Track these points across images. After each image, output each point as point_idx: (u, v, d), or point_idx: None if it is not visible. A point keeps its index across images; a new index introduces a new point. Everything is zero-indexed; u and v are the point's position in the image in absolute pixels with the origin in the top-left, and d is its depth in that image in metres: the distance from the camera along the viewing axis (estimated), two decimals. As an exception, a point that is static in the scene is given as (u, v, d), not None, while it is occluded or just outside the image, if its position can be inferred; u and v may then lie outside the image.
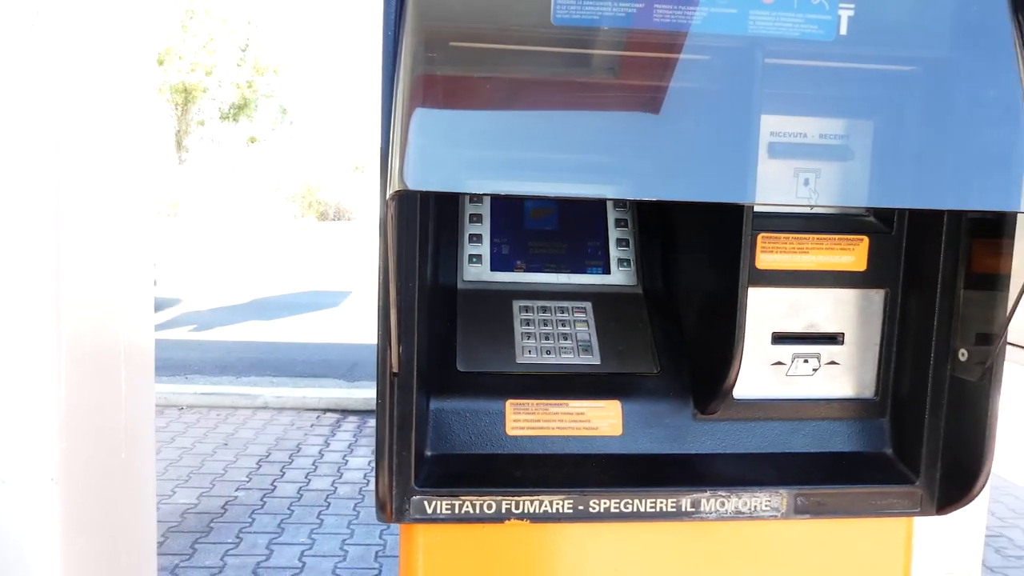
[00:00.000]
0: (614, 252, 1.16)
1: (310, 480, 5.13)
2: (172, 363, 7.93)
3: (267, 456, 5.49)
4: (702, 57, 0.89)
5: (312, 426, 6.26)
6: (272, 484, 4.96)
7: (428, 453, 0.97)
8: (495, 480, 0.94)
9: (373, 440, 5.92)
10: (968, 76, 0.86)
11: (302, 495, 4.85)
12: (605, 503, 0.93)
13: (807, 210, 1.01)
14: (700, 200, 0.88)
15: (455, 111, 0.78)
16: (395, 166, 0.72)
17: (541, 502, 0.92)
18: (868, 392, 1.05)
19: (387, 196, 0.72)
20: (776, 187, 0.96)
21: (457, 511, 0.92)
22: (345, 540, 4.24)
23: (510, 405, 0.99)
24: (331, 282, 14.31)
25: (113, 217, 1.21)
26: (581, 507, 0.93)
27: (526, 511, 0.93)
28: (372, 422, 6.26)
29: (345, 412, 6.54)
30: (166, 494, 4.55)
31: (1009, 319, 0.88)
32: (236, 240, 19.80)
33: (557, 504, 0.93)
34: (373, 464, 5.47)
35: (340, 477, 5.19)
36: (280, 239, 21.86)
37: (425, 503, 0.92)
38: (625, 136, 0.85)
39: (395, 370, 0.83)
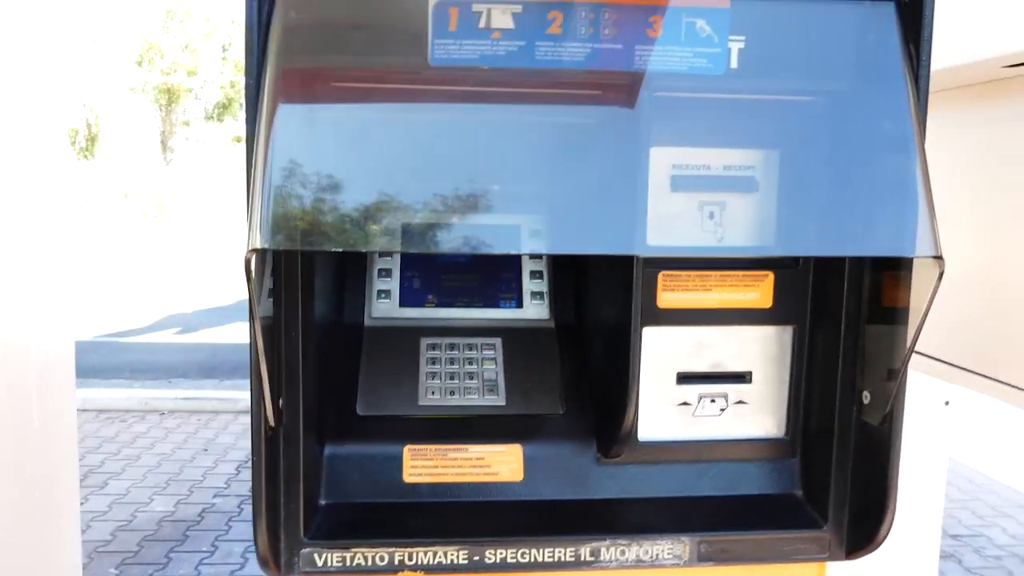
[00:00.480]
0: (527, 285, 1.13)
1: (288, 486, 5.07)
2: (156, 366, 7.89)
3: (246, 461, 5.46)
4: (590, 95, 0.87)
5: (293, 430, 6.20)
6: (250, 490, 4.92)
7: (322, 502, 0.95)
8: (389, 530, 0.91)
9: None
10: (861, 114, 0.84)
11: (279, 502, 4.80)
12: (501, 553, 0.91)
13: (711, 255, 0.99)
14: (587, 253, 0.86)
15: (315, 169, 0.75)
16: (254, 224, 0.70)
17: (435, 553, 0.90)
18: (778, 431, 1.03)
19: (245, 254, 0.69)
20: (680, 221, 0.94)
21: (348, 563, 0.89)
22: (320, 548, 4.19)
23: (408, 451, 0.97)
24: (319, 281, 14.23)
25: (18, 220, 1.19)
26: (477, 558, 0.91)
27: (420, 562, 0.90)
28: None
29: (327, 416, 6.51)
30: (143, 502, 4.52)
31: (908, 358, 0.85)
32: (223, 240, 19.72)
33: (452, 555, 0.90)
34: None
35: (319, 483, 5.12)
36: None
37: (315, 555, 0.89)
38: (503, 185, 0.82)
39: (271, 424, 0.81)
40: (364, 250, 0.73)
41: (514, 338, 1.09)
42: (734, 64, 0.85)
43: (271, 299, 0.84)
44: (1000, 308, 1.30)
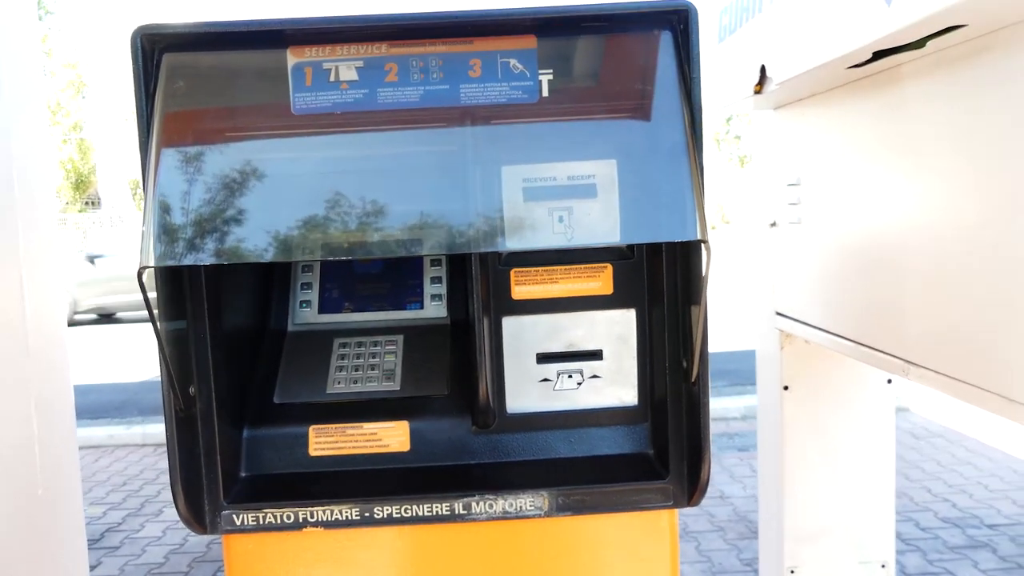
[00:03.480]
0: (428, 288, 1.32)
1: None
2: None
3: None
4: (436, 126, 1.06)
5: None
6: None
7: (243, 474, 1.15)
8: (295, 495, 1.11)
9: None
10: (649, 123, 1.01)
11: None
12: (388, 510, 1.09)
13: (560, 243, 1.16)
14: (455, 252, 1.04)
15: (201, 190, 0.96)
16: (144, 243, 0.91)
17: (332, 511, 1.09)
18: (631, 399, 1.19)
19: (136, 271, 0.90)
20: (535, 228, 1.11)
21: (261, 522, 1.09)
22: None
23: (312, 430, 1.16)
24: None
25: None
26: (367, 514, 1.09)
27: (320, 519, 1.09)
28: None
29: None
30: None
31: (703, 331, 1.01)
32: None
33: (346, 512, 1.09)
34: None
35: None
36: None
37: (234, 516, 1.09)
38: (377, 201, 1.01)
39: (180, 407, 1.02)
40: (230, 262, 0.93)
41: (415, 334, 1.28)
42: (546, 93, 1.03)
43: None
44: (901, 293, 1.42)
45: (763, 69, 1.57)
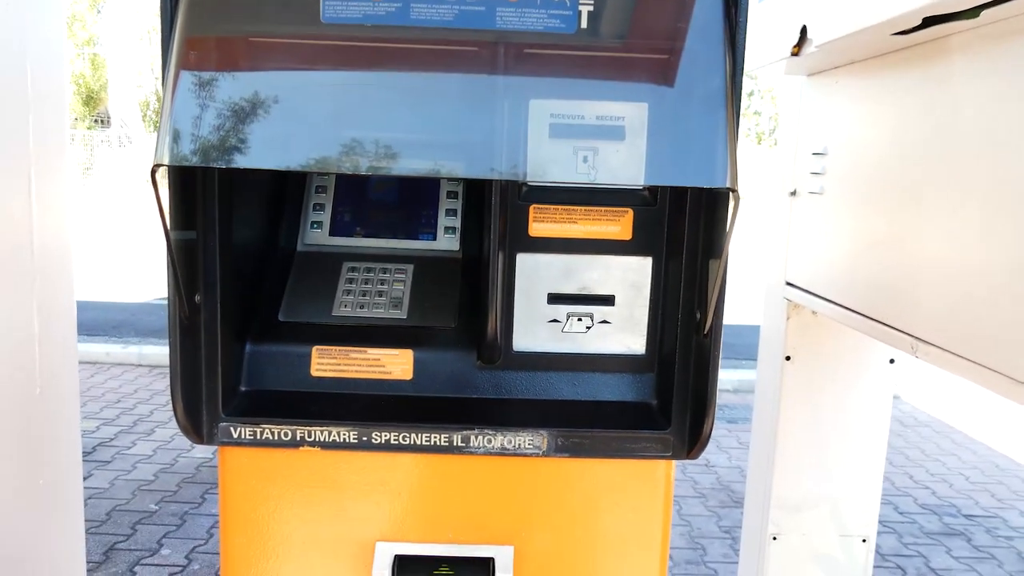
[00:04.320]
0: (442, 220, 1.30)
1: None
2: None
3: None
4: (465, 48, 1.02)
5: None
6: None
7: (243, 388, 1.14)
8: (294, 413, 1.10)
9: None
10: (689, 68, 0.97)
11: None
12: (386, 435, 1.09)
13: (583, 183, 1.13)
14: (471, 177, 1.01)
15: (221, 91, 0.93)
16: (160, 140, 0.88)
17: (330, 432, 1.09)
18: (638, 348, 1.17)
19: (150, 168, 0.88)
20: (557, 163, 1.09)
21: (258, 437, 1.09)
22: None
23: (315, 350, 1.15)
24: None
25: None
26: (365, 438, 1.09)
27: (317, 439, 1.09)
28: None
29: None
30: (185, 448, 4.88)
31: (721, 283, 0.99)
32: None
33: (344, 435, 1.09)
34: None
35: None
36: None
37: (231, 429, 1.09)
38: (397, 117, 0.99)
39: (185, 313, 1.00)
40: (244, 167, 0.90)
41: (425, 265, 1.26)
42: (584, 25, 1.00)
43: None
44: (900, 264, 1.40)
45: (804, 30, 1.52)
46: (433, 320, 1.19)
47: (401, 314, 1.20)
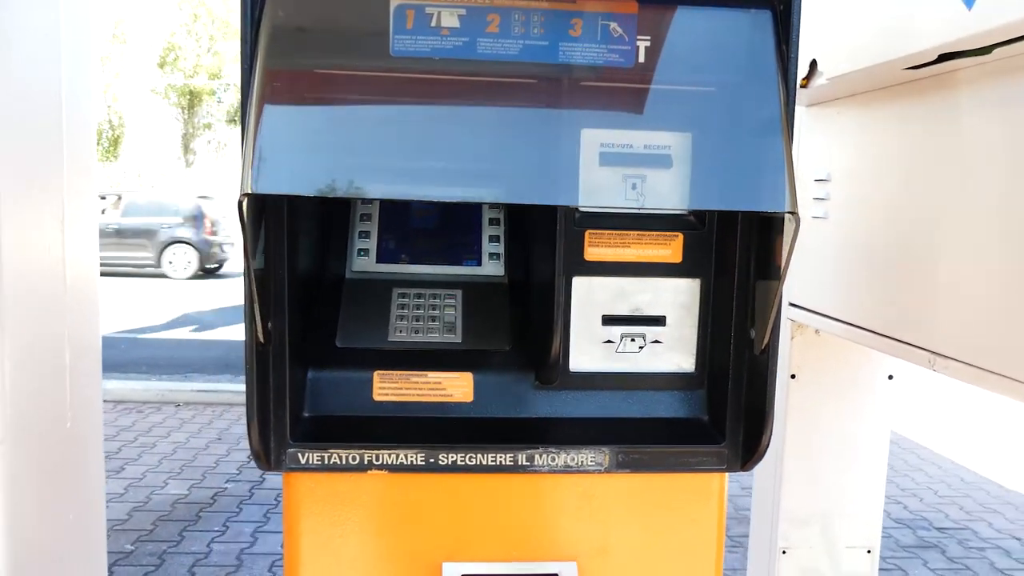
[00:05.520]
0: (486, 247, 1.34)
1: (297, 472, 5.30)
2: (173, 362, 8.16)
3: (257, 450, 5.67)
4: (527, 81, 1.07)
5: (303, 422, 6.43)
6: (261, 476, 5.17)
7: (306, 414, 1.15)
8: (360, 437, 1.12)
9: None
10: (744, 98, 1.04)
11: (288, 486, 5.03)
12: (452, 457, 1.11)
13: (633, 209, 1.19)
14: (528, 203, 1.06)
15: (302, 123, 0.96)
16: (246, 169, 0.90)
17: (398, 455, 1.10)
18: (688, 366, 1.22)
19: (237, 198, 0.90)
20: (607, 190, 1.14)
21: (326, 462, 1.10)
22: (325, 528, 4.41)
23: (377, 375, 1.17)
24: (333, 283, 14.52)
25: (49, 211, 1.39)
26: (432, 460, 1.11)
27: (385, 463, 1.11)
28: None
29: (336, 409, 6.73)
30: (158, 485, 4.76)
31: (779, 302, 1.05)
32: (241, 242, 20.12)
33: (412, 457, 1.11)
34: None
35: (326, 470, 5.35)
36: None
37: (299, 454, 1.10)
38: (464, 149, 1.03)
39: (261, 340, 1.02)
40: (332, 196, 0.93)
41: (472, 290, 1.29)
42: (642, 59, 1.06)
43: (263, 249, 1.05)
44: (915, 283, 1.48)
45: (813, 63, 1.62)
46: (488, 343, 1.22)
47: (456, 338, 1.23)
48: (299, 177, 0.92)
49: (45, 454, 1.37)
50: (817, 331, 1.99)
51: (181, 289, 13.22)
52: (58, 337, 1.42)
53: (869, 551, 2.13)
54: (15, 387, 1.25)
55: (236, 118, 27.56)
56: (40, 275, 1.36)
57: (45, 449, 1.37)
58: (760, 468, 2.23)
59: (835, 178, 1.80)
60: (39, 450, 1.35)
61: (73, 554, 1.50)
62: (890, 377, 2.09)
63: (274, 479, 5.07)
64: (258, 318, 0.99)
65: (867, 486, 2.11)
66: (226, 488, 4.95)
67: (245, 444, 5.79)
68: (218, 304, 11.78)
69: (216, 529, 4.36)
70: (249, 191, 0.89)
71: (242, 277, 0.99)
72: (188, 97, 25.91)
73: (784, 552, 2.10)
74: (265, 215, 1.03)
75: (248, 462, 5.39)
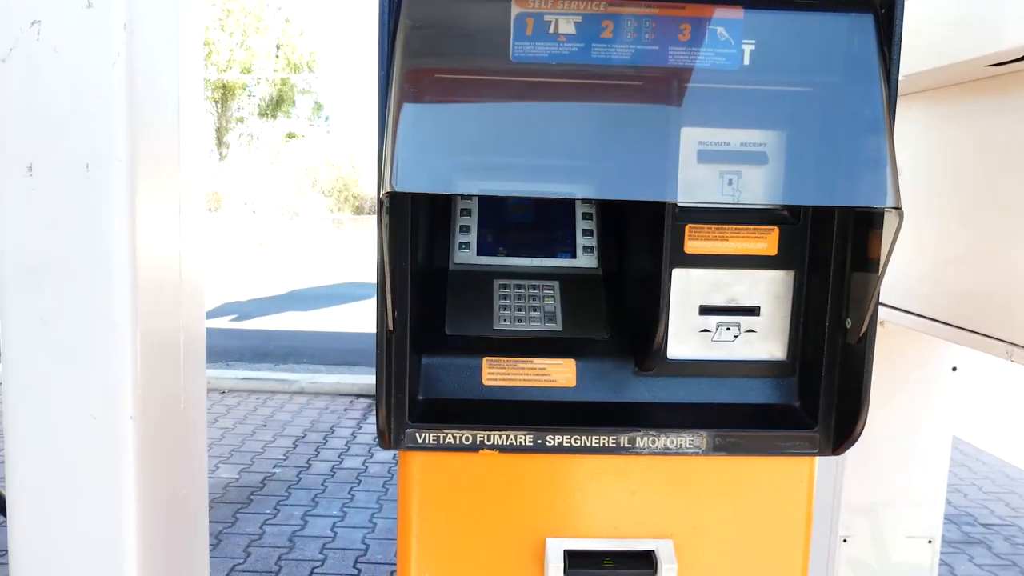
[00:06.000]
0: (580, 240, 1.40)
1: (343, 459, 5.46)
2: (214, 350, 8.31)
3: (303, 437, 5.83)
4: (635, 83, 1.13)
5: (346, 410, 6.59)
6: (307, 462, 5.30)
7: (420, 397, 1.23)
8: (472, 419, 1.19)
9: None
10: (846, 101, 1.09)
11: (335, 473, 5.18)
12: (559, 439, 1.18)
13: (730, 204, 1.25)
14: (636, 199, 1.12)
15: (440, 122, 1.04)
16: (386, 169, 0.98)
17: (508, 436, 1.18)
18: (780, 355, 1.28)
19: (380, 195, 0.97)
20: (704, 186, 1.20)
21: (441, 441, 1.18)
22: (374, 514, 4.54)
23: (486, 361, 1.25)
24: (367, 274, 14.72)
25: (169, 213, 1.48)
26: (540, 441, 1.18)
27: (496, 443, 1.18)
28: (402, 407, 6.57)
29: (377, 397, 6.86)
30: (210, 469, 4.90)
31: (878, 293, 1.10)
32: (275, 233, 20.39)
33: (521, 438, 1.18)
34: (402, 446, 5.75)
35: (371, 457, 5.50)
36: (317, 232, 22.37)
37: (416, 435, 1.17)
38: (580, 148, 1.10)
39: (390, 328, 1.09)
40: (465, 194, 1.00)
41: (569, 282, 1.36)
42: (747, 62, 1.11)
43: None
44: (993, 275, 1.52)
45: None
46: (588, 332, 1.29)
47: (556, 327, 1.30)
48: (435, 176, 0.99)
49: (164, 432, 1.46)
50: (882, 322, 2.02)
51: (218, 278, 13.46)
52: (174, 328, 1.51)
53: (930, 541, 2.17)
54: (144, 371, 1.34)
55: (268, 111, 27.94)
56: (162, 271, 1.44)
57: (163, 428, 1.46)
58: (822, 458, 2.28)
59: (902, 174, 1.83)
60: (159, 428, 1.44)
61: (186, 525, 1.60)
62: (954, 369, 2.12)
63: (319, 466, 5.20)
64: (389, 307, 1.07)
65: (929, 476, 2.14)
66: (274, 473, 5.08)
67: (290, 431, 5.94)
68: (255, 294, 11.98)
69: (267, 512, 4.49)
70: (391, 190, 0.96)
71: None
72: (221, 91, 26.32)
73: (845, 540, 2.15)
74: (393, 212, 1.11)
75: (294, 448, 5.53)
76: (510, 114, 1.08)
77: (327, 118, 34.75)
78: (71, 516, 1.34)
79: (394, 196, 1.01)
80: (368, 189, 26.43)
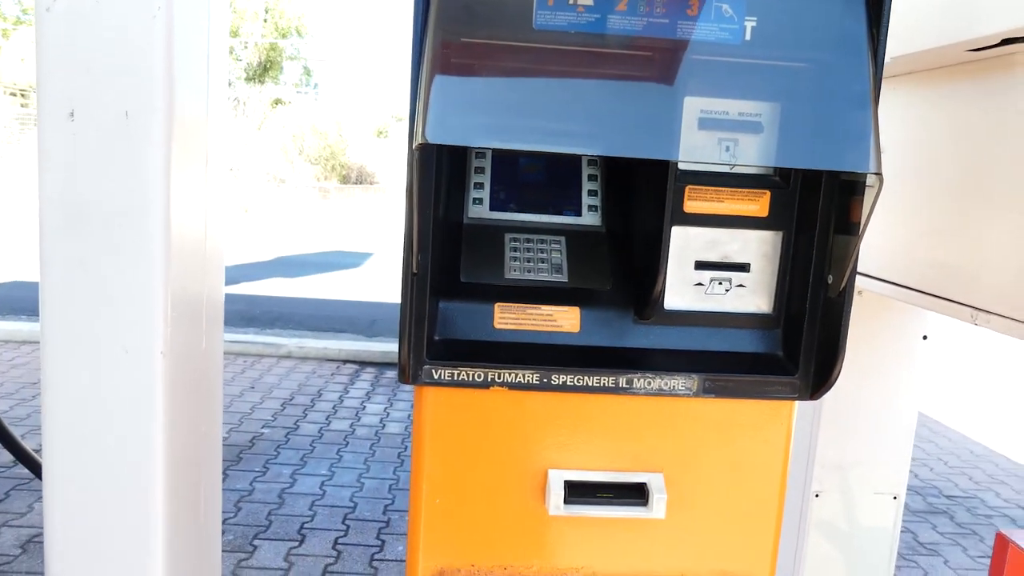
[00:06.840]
0: (585, 199, 1.51)
1: (330, 422, 5.56)
2: (201, 313, 8.35)
3: (291, 400, 5.93)
4: (645, 53, 1.23)
5: (332, 375, 6.68)
6: (295, 424, 5.40)
7: (437, 338, 1.33)
8: (484, 358, 1.30)
9: (389, 389, 6.26)
10: (835, 76, 1.20)
11: (323, 434, 5.29)
12: (563, 378, 1.30)
13: (727, 169, 1.35)
14: (642, 157, 1.23)
15: (469, 82, 1.13)
16: (419, 123, 1.07)
17: (516, 374, 1.29)
18: (766, 308, 1.40)
19: (413, 146, 1.07)
20: (703, 151, 1.31)
21: (456, 378, 1.28)
22: (361, 474, 4.66)
23: (498, 307, 1.35)
24: (354, 243, 14.74)
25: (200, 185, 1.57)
26: (545, 380, 1.29)
27: (505, 380, 1.29)
28: (390, 373, 6.66)
29: (364, 363, 6.96)
30: (199, 427, 4.98)
31: (857, 252, 1.22)
32: (261, 200, 20.27)
33: (528, 376, 1.29)
34: (388, 411, 5.84)
35: (358, 420, 5.61)
36: (304, 200, 22.25)
37: (433, 371, 1.28)
38: (594, 110, 1.20)
39: (415, 271, 1.19)
40: (490, 147, 1.10)
41: (574, 237, 1.46)
42: (748, 37, 1.21)
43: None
44: (962, 247, 1.64)
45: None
46: (591, 283, 1.40)
47: (563, 278, 1.40)
48: (461, 131, 1.09)
49: (188, 365, 1.57)
50: (860, 291, 2.15)
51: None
52: (200, 274, 1.61)
53: (895, 497, 2.32)
54: (173, 316, 1.44)
55: (255, 76, 27.61)
56: (192, 243, 1.54)
57: (189, 361, 1.56)
58: (799, 416, 2.42)
59: (885, 149, 1.95)
60: (185, 362, 1.54)
61: (205, 461, 1.70)
62: (925, 337, 2.26)
63: (307, 427, 5.31)
64: (415, 251, 1.17)
65: (897, 438, 2.29)
66: (263, 433, 5.18)
67: (278, 393, 6.03)
68: (239, 260, 11.96)
69: (257, 470, 4.59)
70: (423, 141, 1.06)
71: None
72: (208, 54, 25.94)
73: (817, 495, 2.30)
74: (422, 163, 1.20)
75: (282, 410, 5.63)
76: (531, 77, 1.18)
77: (315, 86, 34.42)
78: (104, 441, 1.44)
79: (424, 148, 1.11)
80: (355, 159, 26.27)
